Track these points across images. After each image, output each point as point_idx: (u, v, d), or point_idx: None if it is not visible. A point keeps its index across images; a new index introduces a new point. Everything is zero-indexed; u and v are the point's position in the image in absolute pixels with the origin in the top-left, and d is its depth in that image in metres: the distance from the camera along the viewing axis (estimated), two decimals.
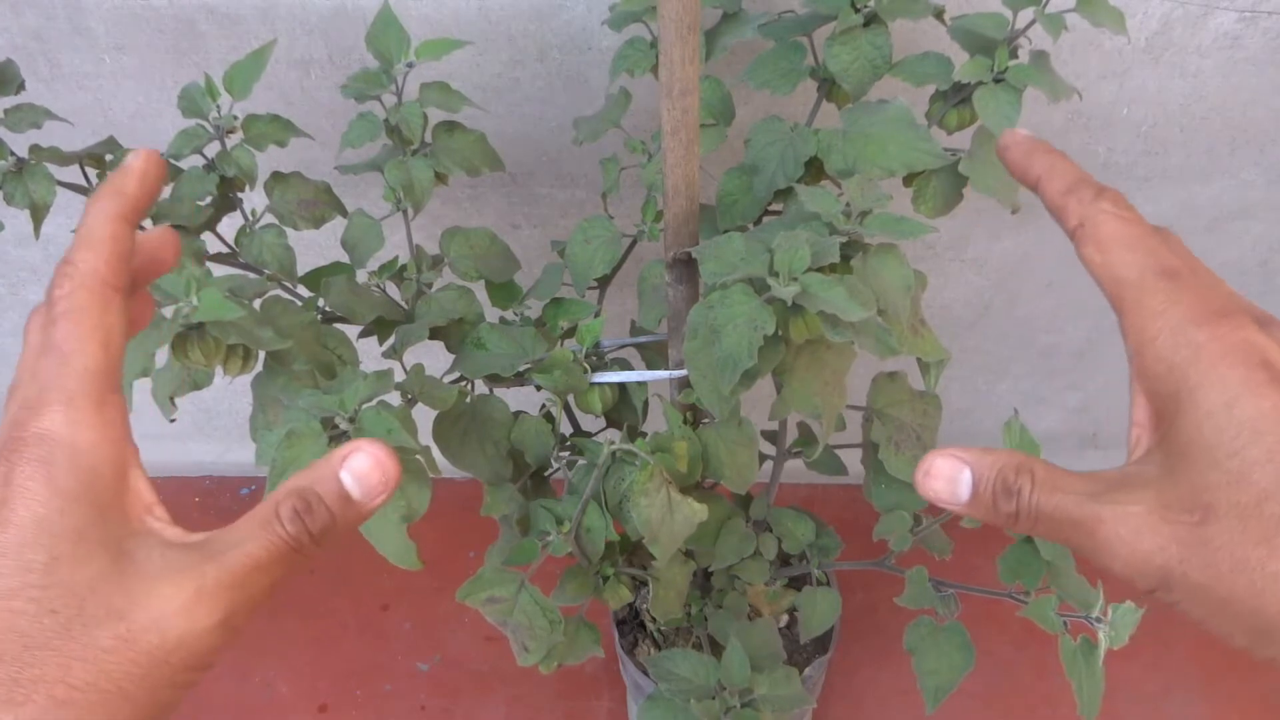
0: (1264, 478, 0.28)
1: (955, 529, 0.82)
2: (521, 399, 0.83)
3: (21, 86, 0.69)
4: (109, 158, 0.71)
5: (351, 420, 0.57)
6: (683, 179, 0.63)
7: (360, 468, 0.33)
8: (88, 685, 0.28)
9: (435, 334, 0.74)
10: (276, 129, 0.71)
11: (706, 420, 0.77)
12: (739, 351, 0.57)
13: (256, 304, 0.64)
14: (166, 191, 0.71)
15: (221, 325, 0.57)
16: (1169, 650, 1.32)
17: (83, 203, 0.71)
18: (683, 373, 0.74)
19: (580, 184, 1.03)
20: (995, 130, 0.64)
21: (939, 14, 0.69)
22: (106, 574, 0.30)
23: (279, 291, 0.71)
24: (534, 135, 0.98)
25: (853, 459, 0.89)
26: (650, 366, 0.84)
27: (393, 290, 0.77)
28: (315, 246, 0.93)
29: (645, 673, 0.96)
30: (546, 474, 0.81)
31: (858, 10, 0.67)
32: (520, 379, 0.73)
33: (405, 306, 0.76)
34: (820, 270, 0.57)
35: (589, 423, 0.86)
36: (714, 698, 0.81)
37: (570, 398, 0.74)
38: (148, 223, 0.69)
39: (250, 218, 0.73)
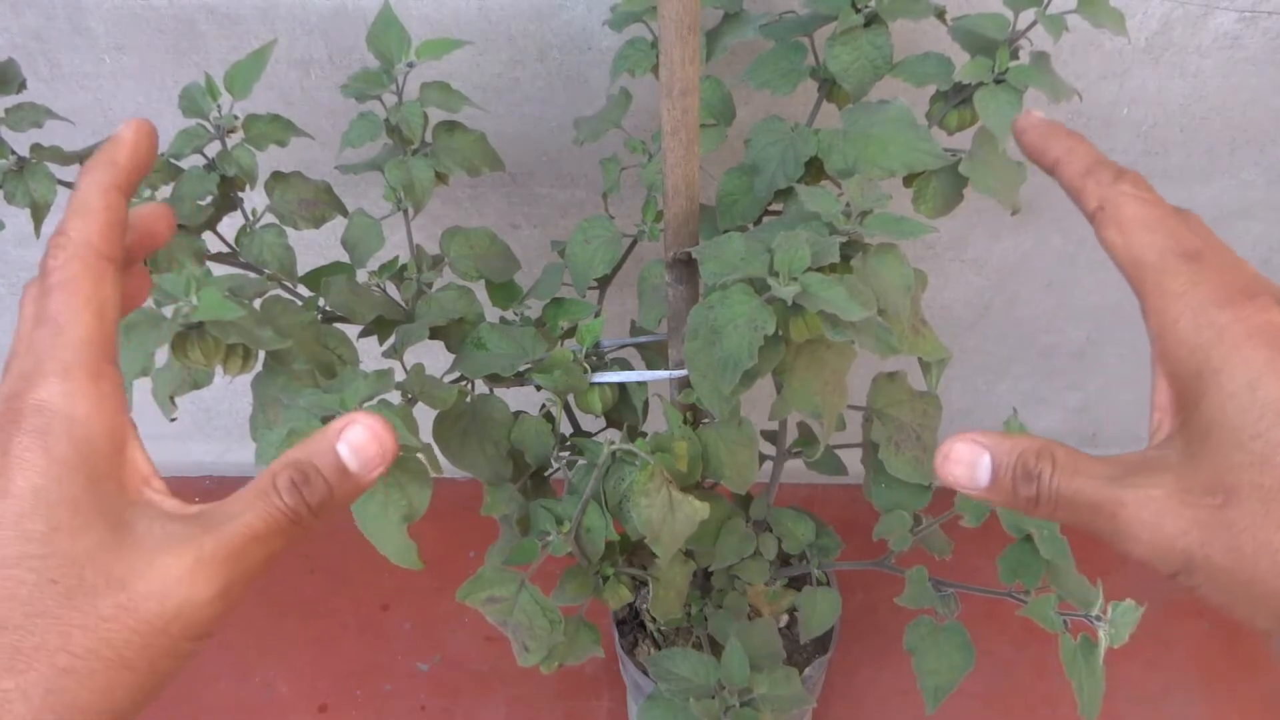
0: None
1: (955, 529, 0.82)
2: (521, 399, 0.83)
3: (23, 86, 0.69)
4: None
5: None
6: (683, 179, 0.64)
7: (357, 440, 0.33)
8: (88, 653, 0.29)
9: (435, 334, 0.74)
10: (277, 129, 0.71)
11: (706, 420, 0.77)
12: (739, 351, 0.57)
13: (256, 304, 0.64)
14: (166, 191, 0.71)
15: (221, 325, 0.57)
16: (1169, 650, 1.32)
17: None
18: (683, 373, 0.74)
19: (580, 184, 1.03)
20: (996, 131, 0.64)
21: (940, 14, 0.69)
22: (105, 544, 0.30)
23: (279, 291, 0.71)
24: (534, 135, 0.98)
25: (853, 459, 0.89)
26: (650, 366, 0.84)
27: (393, 290, 0.77)
28: (315, 246, 0.93)
29: (645, 673, 0.96)
30: (546, 474, 0.81)
31: (858, 10, 0.67)
32: (520, 379, 0.73)
33: (405, 306, 0.76)
34: (820, 270, 0.57)
35: (589, 423, 0.86)
36: (714, 697, 0.81)
37: (570, 398, 0.74)
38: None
39: (250, 217, 0.73)
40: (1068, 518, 0.32)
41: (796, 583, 1.10)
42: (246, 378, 0.64)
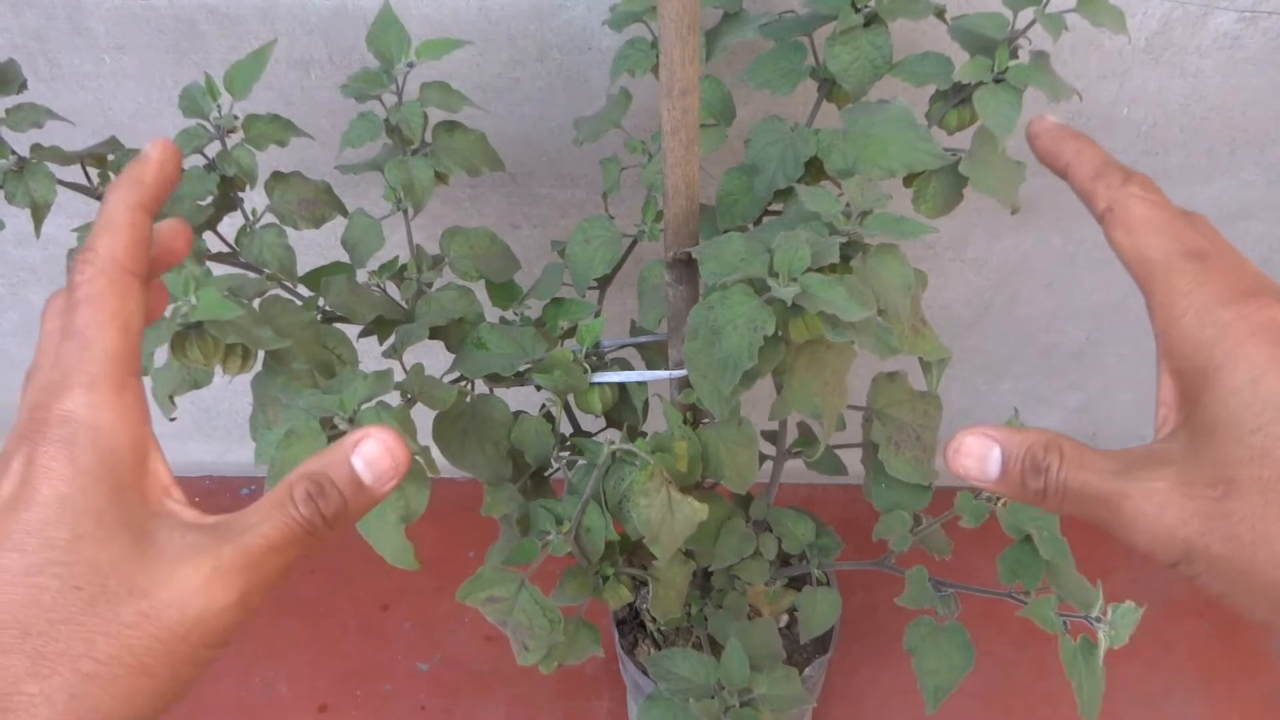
0: None
1: (955, 529, 0.82)
2: (521, 399, 0.83)
3: (23, 86, 0.69)
4: (110, 157, 0.71)
5: (351, 420, 0.57)
6: (683, 179, 0.63)
7: (371, 453, 0.33)
8: (111, 659, 0.29)
9: (435, 334, 0.74)
10: (277, 129, 0.71)
11: (706, 420, 0.77)
12: (739, 352, 0.57)
13: (256, 303, 0.64)
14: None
15: (220, 324, 0.57)
16: (1169, 650, 1.32)
17: (84, 202, 0.71)
18: (683, 373, 0.74)
19: (580, 184, 1.03)
20: (996, 130, 0.64)
21: (939, 14, 0.69)
22: (128, 552, 0.30)
23: (279, 291, 0.71)
24: (534, 135, 0.98)
25: (853, 459, 0.89)
26: (650, 366, 0.84)
27: (393, 290, 0.77)
28: (315, 246, 0.93)
29: (645, 673, 0.96)
30: (546, 474, 0.81)
31: (858, 10, 0.67)
32: (520, 379, 0.73)
33: (405, 306, 0.76)
34: (820, 270, 0.57)
35: (589, 423, 0.86)
36: (714, 697, 0.81)
37: (570, 398, 0.74)
38: None
39: (250, 217, 0.73)
40: (1074, 509, 0.33)
41: (796, 583, 1.10)
42: (246, 378, 0.64)
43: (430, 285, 0.77)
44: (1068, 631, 0.74)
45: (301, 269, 0.74)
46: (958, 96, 0.67)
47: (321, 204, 0.74)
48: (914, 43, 0.83)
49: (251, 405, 0.67)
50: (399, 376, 0.65)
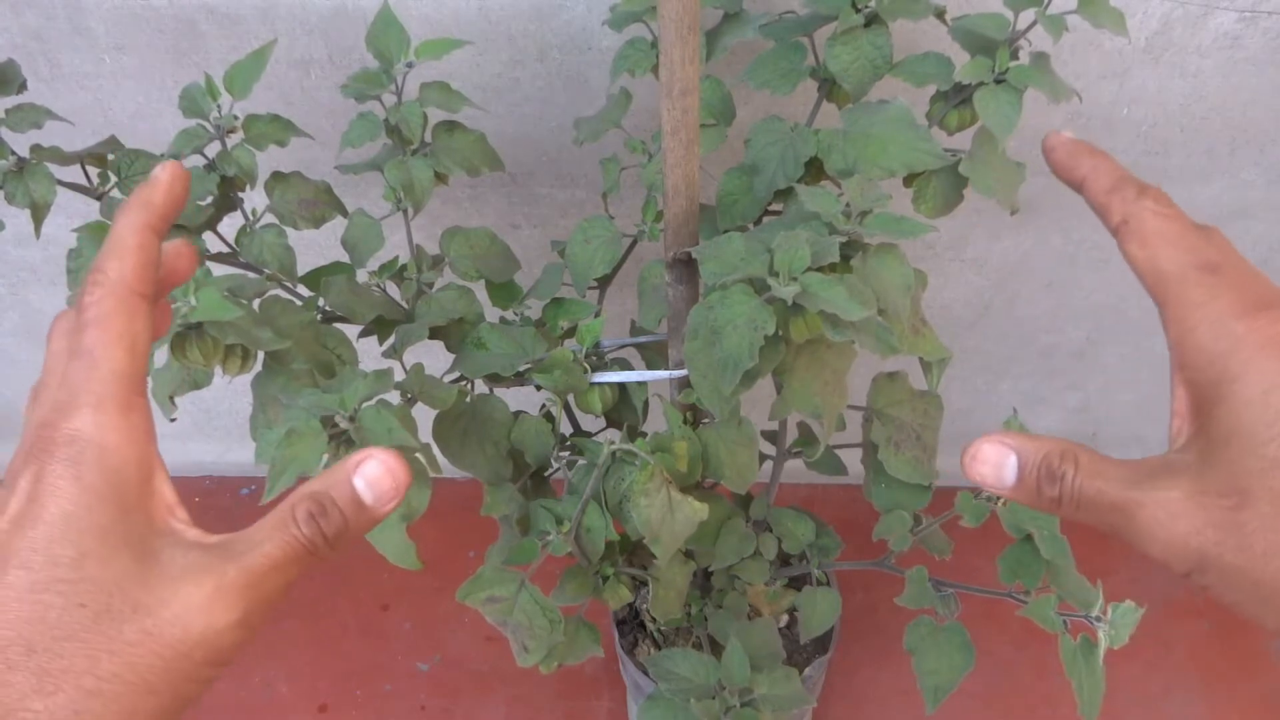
0: None
1: (955, 529, 0.82)
2: (521, 399, 0.83)
3: (23, 86, 0.69)
4: (110, 157, 0.71)
5: (351, 419, 0.57)
6: (683, 179, 0.63)
7: (373, 474, 0.34)
8: (114, 677, 0.29)
9: (435, 334, 0.74)
10: (276, 129, 0.71)
11: (706, 420, 0.76)
12: (739, 352, 0.57)
13: (256, 304, 0.64)
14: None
15: (220, 325, 0.57)
16: (1169, 650, 1.32)
17: (84, 202, 0.71)
18: (683, 373, 0.74)
19: (580, 184, 1.03)
20: (996, 131, 0.64)
21: (940, 14, 0.69)
22: (131, 571, 0.31)
23: (279, 291, 0.71)
24: (534, 135, 0.98)
25: (853, 459, 0.89)
26: (650, 366, 0.84)
27: (393, 290, 0.77)
28: (315, 246, 0.93)
29: (645, 673, 0.96)
30: (546, 474, 0.81)
31: (858, 10, 0.67)
32: (520, 379, 0.73)
33: (405, 306, 0.76)
34: (820, 270, 0.57)
35: (589, 423, 0.86)
36: (714, 697, 0.81)
37: (570, 398, 0.74)
38: None
39: (250, 217, 0.73)
40: (1089, 517, 0.33)
41: (796, 583, 1.10)
42: (246, 378, 0.64)
43: (430, 285, 0.77)
44: (1068, 631, 0.74)
45: (301, 269, 0.74)
46: (958, 97, 0.67)
47: (321, 204, 0.74)
48: (914, 43, 0.83)
49: (251, 405, 0.67)
50: (399, 376, 0.65)
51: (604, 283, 0.81)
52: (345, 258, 0.75)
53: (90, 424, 0.32)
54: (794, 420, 0.75)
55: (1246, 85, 0.92)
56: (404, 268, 0.77)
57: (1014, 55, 0.65)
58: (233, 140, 0.70)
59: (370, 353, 0.72)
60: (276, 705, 1.30)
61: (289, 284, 0.74)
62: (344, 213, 0.76)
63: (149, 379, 0.65)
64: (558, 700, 1.30)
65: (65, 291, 0.66)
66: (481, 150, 0.75)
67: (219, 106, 0.70)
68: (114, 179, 0.70)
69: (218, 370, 0.60)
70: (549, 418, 0.77)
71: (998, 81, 0.65)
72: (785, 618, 1.11)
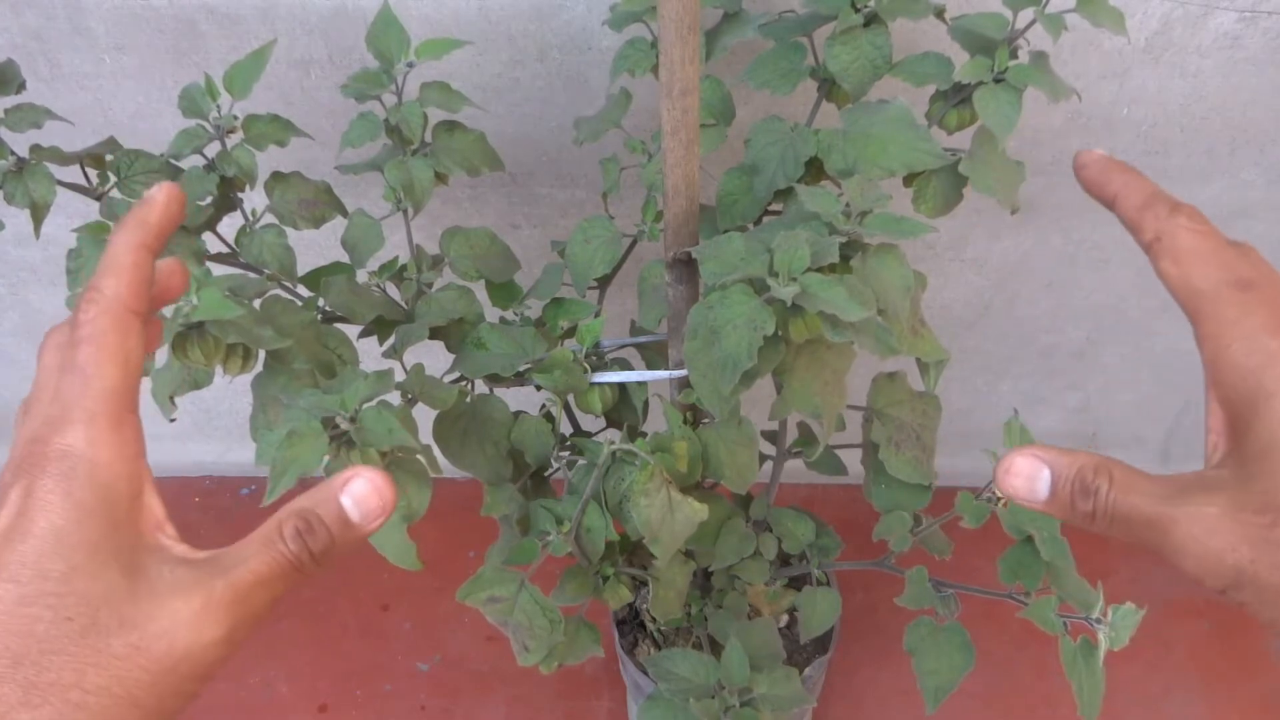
0: None
1: (955, 529, 0.82)
2: (521, 399, 0.83)
3: (22, 86, 0.69)
4: (109, 157, 0.71)
5: (352, 420, 0.57)
6: (683, 179, 0.63)
7: (359, 492, 0.34)
8: (100, 690, 0.30)
9: (435, 334, 0.74)
10: (276, 129, 0.71)
11: (706, 420, 0.76)
12: (739, 352, 0.57)
13: (256, 304, 0.64)
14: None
15: (221, 324, 0.57)
16: (1169, 651, 1.32)
17: (83, 202, 0.71)
18: (683, 373, 0.74)
19: (580, 184, 1.03)
20: (996, 130, 0.64)
21: (939, 14, 0.69)
22: (119, 585, 0.31)
23: (279, 291, 0.71)
24: (534, 135, 0.98)
25: (853, 459, 0.89)
26: (650, 366, 0.84)
27: (393, 290, 0.77)
28: (315, 246, 0.93)
29: (645, 673, 0.96)
30: (546, 474, 0.81)
31: (858, 10, 0.67)
32: (520, 379, 0.73)
33: (405, 306, 0.76)
34: (820, 270, 0.57)
35: (589, 423, 0.86)
36: (714, 697, 0.81)
37: (570, 398, 0.74)
38: None
39: (250, 217, 0.73)
40: (1122, 532, 0.33)
41: (796, 583, 1.10)
42: (246, 378, 0.64)
43: (430, 285, 0.77)
44: (1068, 632, 0.74)
45: (301, 269, 0.74)
46: (958, 96, 0.67)
47: (321, 204, 0.74)
48: (914, 43, 0.83)
49: (252, 405, 0.67)
50: (399, 376, 0.65)
51: (604, 283, 0.81)
52: (345, 258, 0.75)
53: (82, 439, 0.32)
54: (794, 420, 0.75)
55: (1246, 85, 0.92)
56: (404, 268, 0.77)
57: (1013, 55, 0.65)
58: (232, 140, 0.70)
59: (370, 353, 0.72)
60: (276, 705, 1.30)
61: (289, 284, 0.74)
62: (344, 213, 0.76)
63: (149, 380, 0.66)
64: (558, 700, 1.30)
65: (65, 292, 0.66)
66: (481, 150, 0.75)
67: (219, 106, 0.70)
68: (113, 179, 0.70)
69: (218, 370, 0.60)
70: (549, 418, 0.77)
71: (997, 81, 0.65)
72: (785, 618, 1.11)
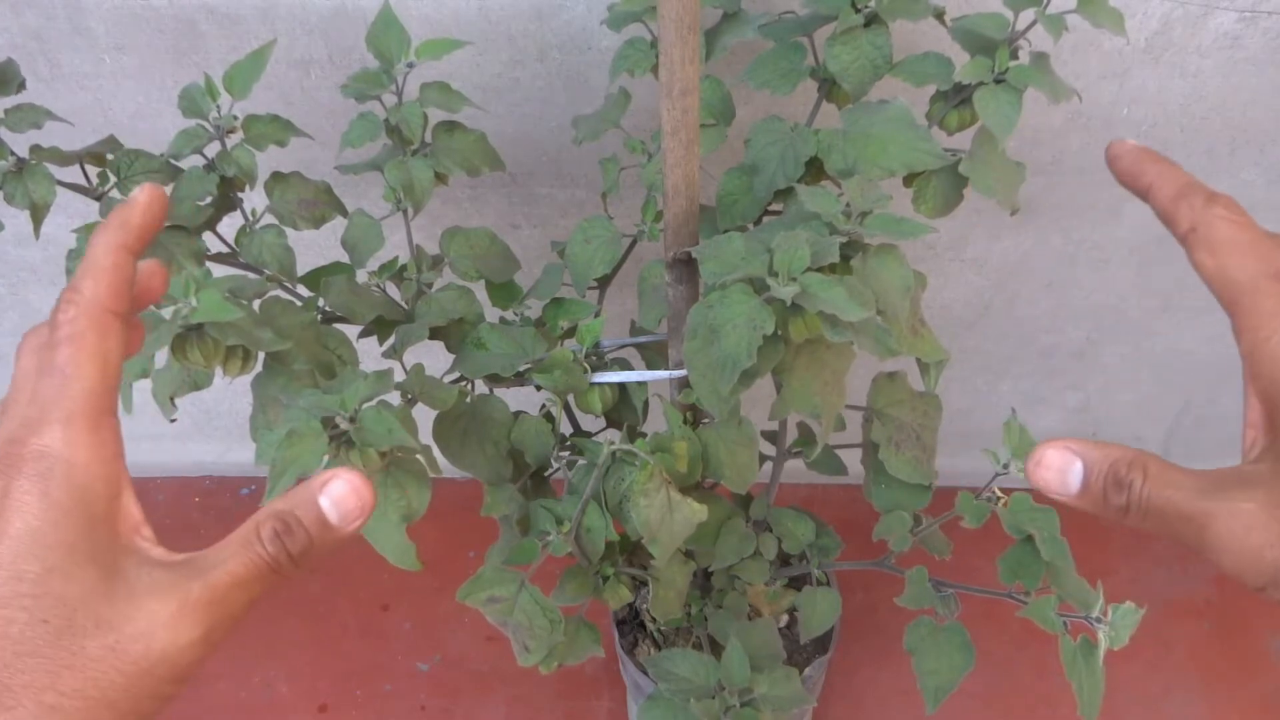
0: None
1: (955, 529, 0.82)
2: (521, 399, 0.83)
3: (22, 86, 0.69)
4: (109, 157, 0.71)
5: (352, 420, 0.57)
6: (683, 179, 0.64)
7: (338, 493, 0.34)
8: (75, 692, 0.29)
9: (435, 334, 0.74)
10: (276, 129, 0.71)
11: (706, 420, 0.77)
12: (738, 351, 0.57)
13: (256, 304, 0.64)
14: (166, 191, 0.71)
15: (220, 326, 0.57)
16: (1169, 651, 1.32)
17: (83, 202, 0.71)
18: (683, 373, 0.74)
19: (580, 184, 1.03)
20: (996, 131, 0.64)
21: (939, 14, 0.69)
22: (96, 587, 0.31)
23: (279, 292, 0.71)
24: (534, 135, 0.98)
25: (853, 459, 0.89)
26: (650, 366, 0.84)
27: (393, 290, 0.77)
28: (315, 246, 0.93)
29: (645, 673, 0.96)
30: (546, 474, 0.81)
31: (858, 10, 0.67)
32: (520, 379, 0.73)
33: (405, 306, 0.76)
34: (820, 270, 0.57)
35: (589, 423, 0.86)
36: (714, 697, 0.81)
37: (570, 398, 0.74)
38: None
39: (250, 218, 0.73)
40: (1156, 527, 0.32)
41: (796, 583, 1.10)
42: (246, 378, 0.64)
43: (430, 285, 0.77)
44: (1068, 632, 0.74)
45: (301, 269, 0.74)
46: (958, 97, 0.67)
47: (321, 204, 0.74)
48: (914, 43, 0.83)
49: (251, 406, 0.67)
50: (399, 377, 0.65)
51: (604, 283, 0.81)
52: (345, 258, 0.75)
53: (59, 440, 0.32)
54: (794, 420, 0.75)
55: (1246, 85, 0.92)
56: (404, 268, 0.77)
57: (1014, 55, 0.65)
58: (232, 140, 0.70)
59: (370, 353, 0.72)
60: (276, 705, 1.30)
61: (289, 284, 0.74)
62: (344, 213, 0.76)
63: (150, 380, 0.66)
64: (558, 700, 1.30)
65: None
66: (481, 150, 0.75)
67: (219, 106, 0.70)
68: (113, 179, 0.70)
69: (218, 371, 0.60)
70: (549, 418, 0.77)
71: (997, 81, 0.65)
72: (785, 618, 1.11)
